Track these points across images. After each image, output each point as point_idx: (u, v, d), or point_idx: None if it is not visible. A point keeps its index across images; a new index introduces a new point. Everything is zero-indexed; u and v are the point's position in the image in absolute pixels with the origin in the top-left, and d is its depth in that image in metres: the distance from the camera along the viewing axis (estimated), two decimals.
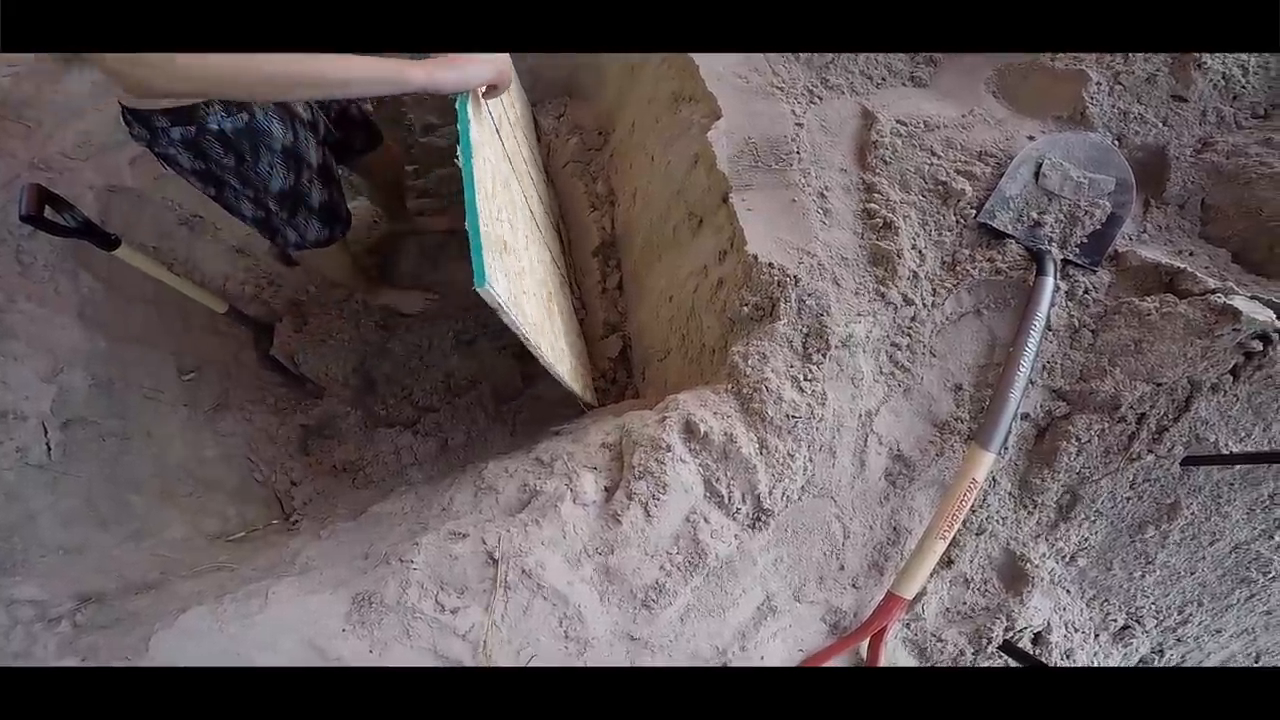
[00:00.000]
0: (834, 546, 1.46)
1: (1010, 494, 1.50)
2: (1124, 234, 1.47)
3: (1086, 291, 1.43)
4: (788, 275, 1.39)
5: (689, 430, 1.32)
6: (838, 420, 1.40)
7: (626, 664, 1.31)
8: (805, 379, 1.36)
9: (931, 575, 1.44)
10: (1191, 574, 1.63)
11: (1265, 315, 1.24)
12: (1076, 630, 1.63)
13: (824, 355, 1.36)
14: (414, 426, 2.26)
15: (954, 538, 1.38)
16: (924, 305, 1.44)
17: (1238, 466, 1.45)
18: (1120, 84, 1.54)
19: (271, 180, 1.40)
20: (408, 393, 2.31)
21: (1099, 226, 1.45)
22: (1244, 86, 1.52)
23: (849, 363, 1.40)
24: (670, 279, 1.90)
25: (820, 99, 1.74)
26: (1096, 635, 1.67)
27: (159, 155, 1.33)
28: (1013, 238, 1.46)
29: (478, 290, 0.94)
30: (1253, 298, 1.29)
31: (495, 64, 1.15)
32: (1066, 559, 1.58)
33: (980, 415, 1.44)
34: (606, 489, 1.35)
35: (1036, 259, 1.43)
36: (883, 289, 1.43)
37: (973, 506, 1.42)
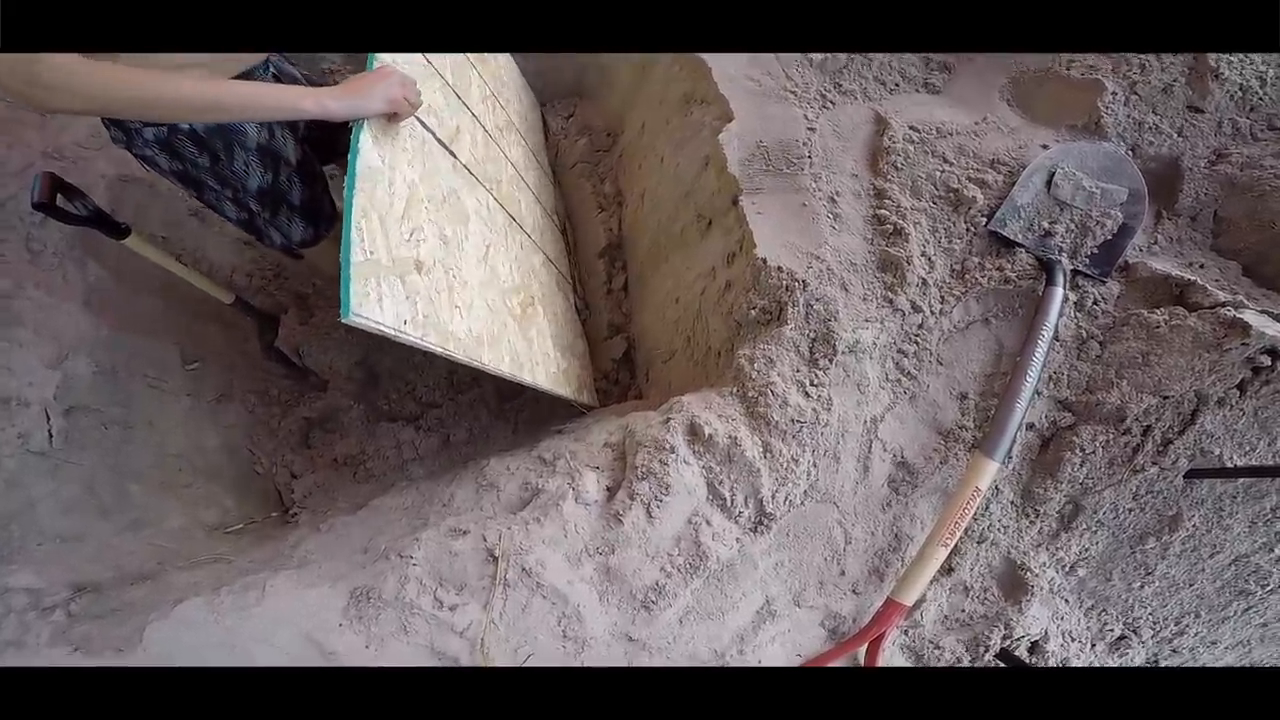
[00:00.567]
0: (835, 552, 1.46)
1: (1013, 503, 1.49)
2: (1135, 245, 1.46)
3: (1096, 302, 1.43)
4: (796, 279, 1.39)
5: (693, 432, 1.31)
6: (842, 426, 1.39)
7: (624, 664, 1.31)
8: (811, 384, 1.35)
9: (932, 582, 1.43)
10: (1190, 585, 1.62)
11: (1275, 330, 1.23)
12: (1073, 640, 1.62)
13: (830, 361, 1.36)
14: (416, 422, 2.26)
15: (955, 546, 1.37)
16: (932, 313, 1.44)
17: (1241, 480, 1.45)
18: (1136, 94, 1.54)
19: (249, 179, 1.39)
20: (411, 388, 2.31)
21: (1110, 237, 1.44)
22: (1261, 98, 1.51)
23: (855, 369, 1.39)
24: (677, 281, 1.90)
25: (833, 104, 1.73)
26: (1093, 645, 1.67)
27: (138, 157, 1.33)
28: (1023, 247, 1.45)
29: (343, 321, 0.95)
30: (1263, 312, 1.28)
31: (389, 96, 1.16)
32: (1066, 568, 1.57)
33: (985, 424, 1.43)
34: (608, 489, 1.34)
35: (1046, 269, 1.42)
36: (891, 295, 1.42)
37: (975, 515, 1.42)
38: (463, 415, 2.26)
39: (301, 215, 1.52)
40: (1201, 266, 1.45)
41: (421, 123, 1.36)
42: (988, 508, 1.48)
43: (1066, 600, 1.61)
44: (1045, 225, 1.46)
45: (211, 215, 1.82)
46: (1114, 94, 1.53)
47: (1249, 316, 1.25)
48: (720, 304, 1.61)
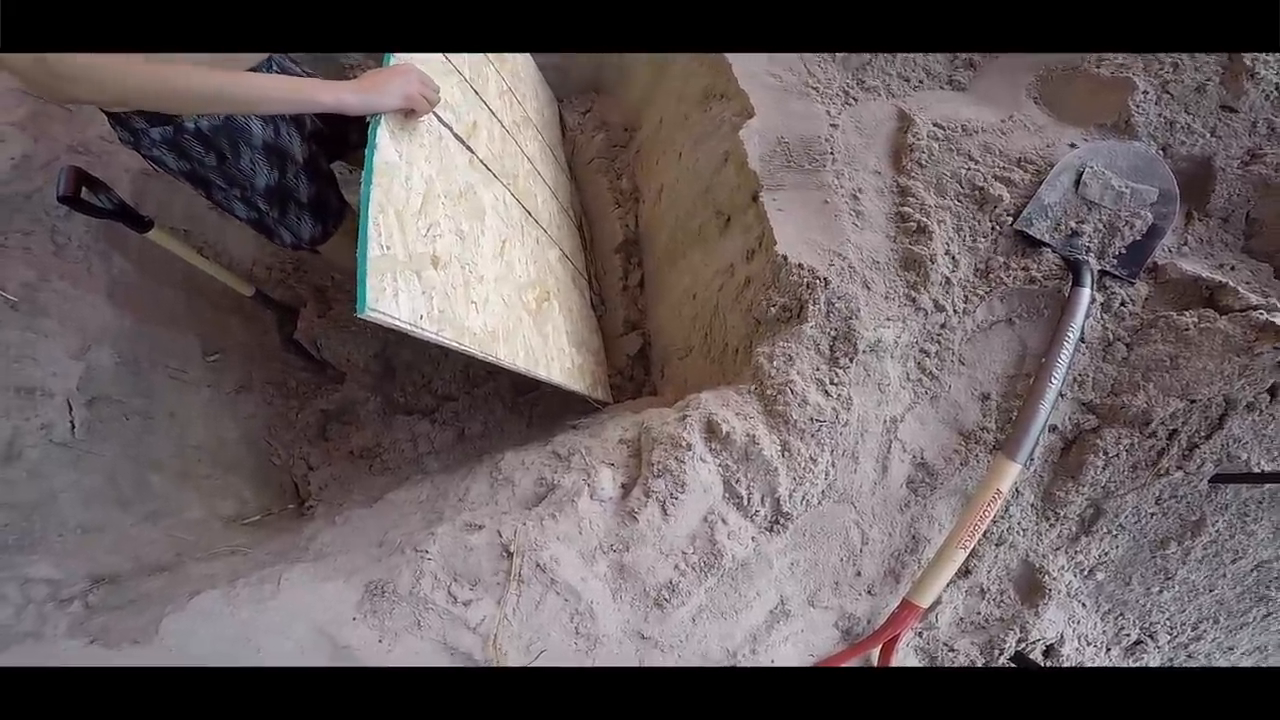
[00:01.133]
0: (851, 552, 1.44)
1: (1033, 505, 1.47)
2: (1164, 246, 1.43)
3: (1123, 304, 1.40)
4: (817, 277, 1.37)
5: (710, 430, 1.30)
6: (862, 425, 1.38)
7: (636, 662, 1.30)
8: (831, 382, 1.34)
9: (948, 585, 1.42)
10: (1210, 591, 1.60)
11: None
12: (1089, 643, 1.60)
13: (851, 359, 1.34)
14: (432, 415, 2.26)
15: (973, 548, 1.35)
16: (955, 312, 1.42)
17: (1267, 486, 1.42)
18: (1168, 93, 1.50)
19: (256, 177, 1.39)
20: (427, 381, 2.32)
21: (1139, 238, 1.42)
22: None
23: (876, 368, 1.38)
24: (694, 277, 1.88)
25: (856, 100, 1.71)
26: (1109, 649, 1.65)
27: (146, 158, 1.33)
28: (1049, 246, 1.43)
29: (358, 315, 0.95)
30: None
31: (406, 92, 1.16)
32: (1085, 572, 1.55)
33: (1007, 425, 1.41)
34: (624, 485, 1.34)
35: (1073, 269, 1.39)
36: (914, 294, 1.40)
37: (995, 517, 1.40)
38: (478, 409, 2.27)
39: (310, 212, 1.52)
40: (1233, 268, 1.42)
41: (439, 118, 1.36)
42: (1007, 510, 1.46)
43: (1084, 604, 1.58)
44: (1072, 225, 1.43)
45: None
46: (1145, 93, 1.50)
47: None
48: (739, 301, 1.60)
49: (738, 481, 1.31)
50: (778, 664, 1.41)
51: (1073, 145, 1.51)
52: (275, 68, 1.39)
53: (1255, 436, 1.35)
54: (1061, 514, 1.47)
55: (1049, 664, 1.59)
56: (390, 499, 1.57)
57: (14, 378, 1.56)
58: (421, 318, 1.08)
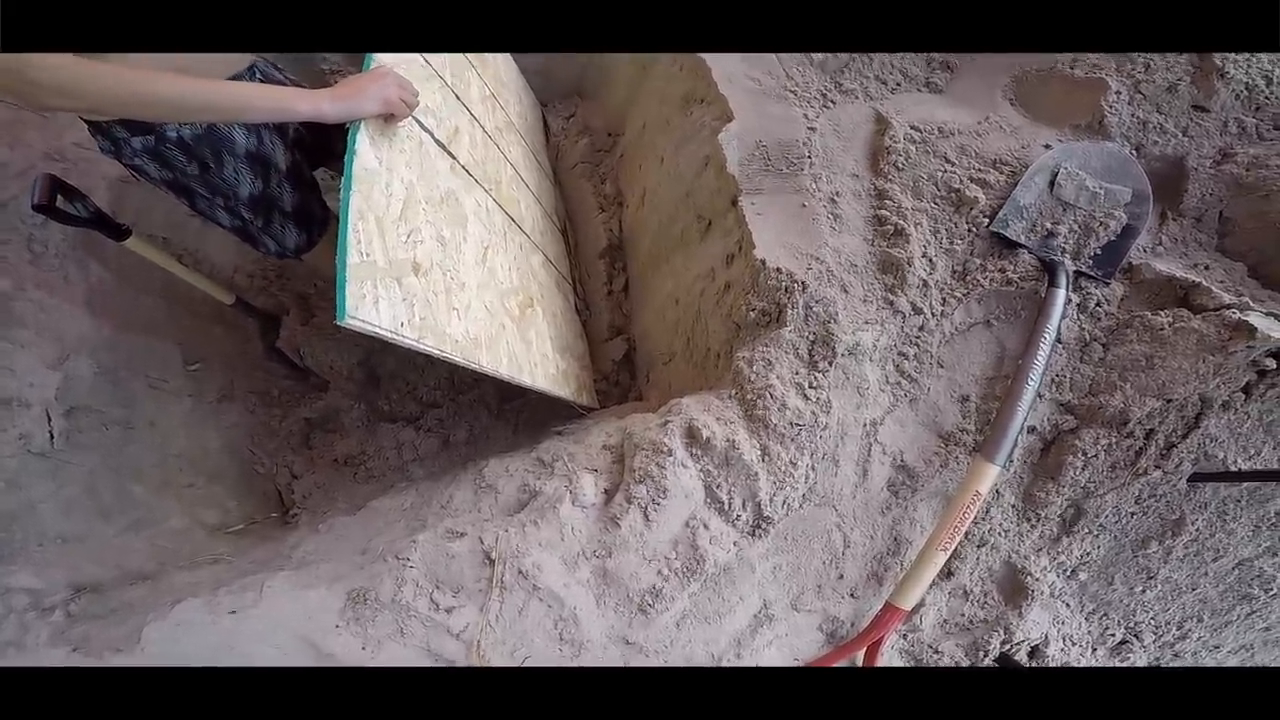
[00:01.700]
0: (834, 556, 1.45)
1: (1013, 507, 1.48)
2: (1139, 246, 1.45)
3: (1099, 304, 1.41)
4: (795, 281, 1.38)
5: (691, 435, 1.30)
6: (842, 429, 1.38)
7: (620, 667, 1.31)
8: (810, 386, 1.34)
9: (931, 587, 1.43)
10: (1193, 590, 1.61)
11: None
12: (1074, 644, 1.61)
13: (830, 363, 1.35)
14: (417, 422, 2.26)
15: (955, 549, 1.36)
16: (933, 315, 1.43)
17: (1245, 484, 1.43)
18: (1140, 93, 1.52)
19: (239, 186, 1.38)
20: (412, 388, 2.31)
21: (1113, 238, 1.43)
22: (1267, 97, 1.49)
23: (855, 371, 1.39)
24: (677, 282, 1.89)
25: (834, 103, 1.72)
26: (1094, 649, 1.66)
27: (128, 167, 1.32)
28: (1025, 248, 1.44)
29: (338, 323, 0.95)
30: (1268, 314, 1.26)
31: (385, 96, 1.16)
32: (1068, 572, 1.56)
33: (986, 427, 1.42)
34: (606, 491, 1.34)
35: (1049, 270, 1.40)
36: (891, 297, 1.41)
37: (975, 519, 1.41)
38: (463, 416, 2.26)
39: (294, 221, 1.51)
40: (1206, 268, 1.43)
41: (420, 123, 1.36)
42: (988, 511, 1.46)
43: (1067, 604, 1.59)
44: (1048, 226, 1.45)
45: None
46: (1118, 93, 1.52)
47: (1254, 319, 1.23)
48: (719, 305, 1.60)
49: (719, 486, 1.31)
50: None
51: (1047, 146, 1.52)
52: (259, 75, 1.38)
53: (1231, 435, 1.37)
54: (1042, 515, 1.48)
55: (1034, 665, 1.60)
56: (374, 507, 1.57)
57: None
58: (403, 325, 1.08)
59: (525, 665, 1.24)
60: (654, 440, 1.30)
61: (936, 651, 1.53)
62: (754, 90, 1.75)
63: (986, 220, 1.46)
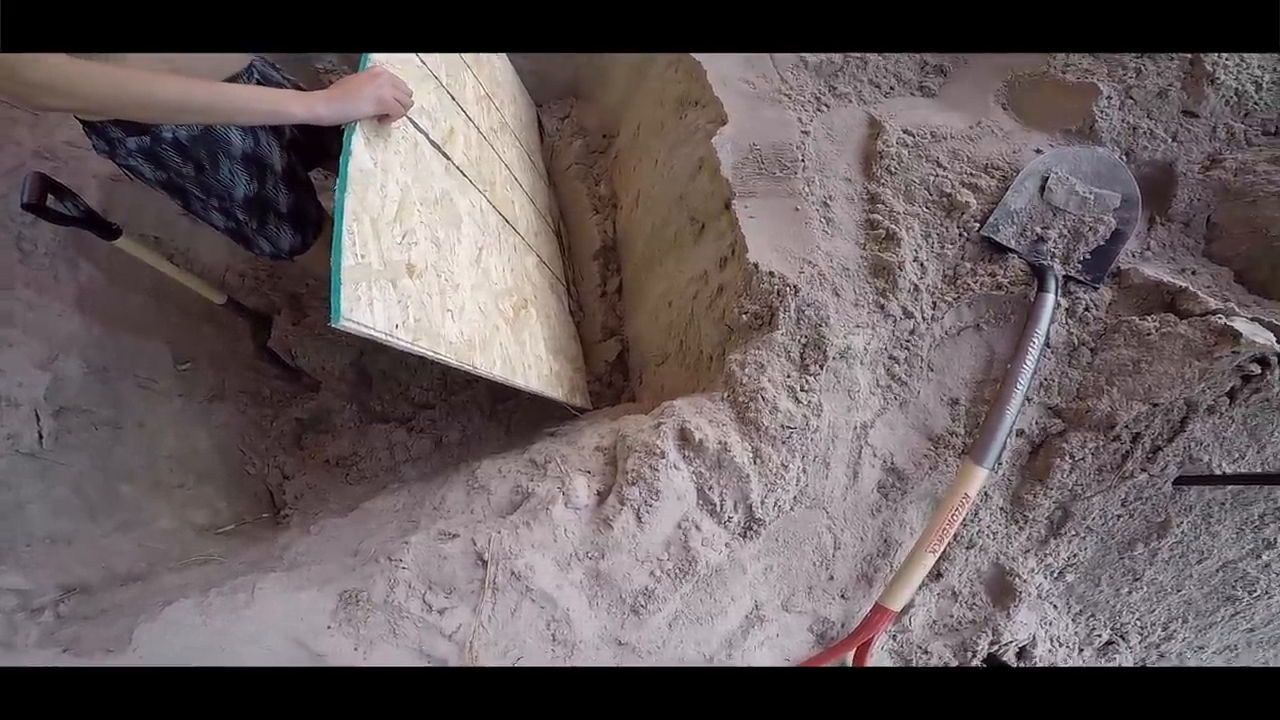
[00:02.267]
0: (824, 557, 1.46)
1: (1002, 509, 1.49)
2: (1127, 251, 1.46)
3: (1087, 309, 1.43)
4: (788, 284, 1.39)
5: (684, 437, 1.31)
6: (832, 432, 1.39)
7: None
8: (802, 389, 1.35)
9: (920, 588, 1.44)
10: (1178, 591, 1.63)
11: (1265, 338, 1.23)
12: (1061, 644, 1.63)
13: (821, 366, 1.35)
14: (409, 423, 2.25)
15: (944, 551, 1.37)
16: (924, 319, 1.44)
17: (1230, 487, 1.45)
18: (1131, 98, 1.53)
19: (235, 187, 1.38)
20: (404, 389, 2.31)
21: (1102, 243, 1.44)
22: (1256, 103, 1.51)
23: (846, 374, 1.39)
24: (670, 284, 1.89)
25: (827, 107, 1.73)
26: (1081, 650, 1.67)
27: (122, 167, 1.31)
28: (1015, 252, 1.45)
29: (332, 325, 0.95)
30: (1253, 319, 1.28)
31: (379, 97, 1.16)
32: (1055, 574, 1.57)
33: (975, 430, 1.43)
34: (599, 493, 1.34)
35: (1038, 274, 1.42)
36: (883, 301, 1.42)
37: (964, 521, 1.42)
38: (456, 417, 2.26)
39: (289, 222, 1.51)
40: (1194, 273, 1.45)
41: (415, 124, 1.36)
42: (977, 513, 1.48)
43: (1055, 605, 1.61)
44: (1038, 231, 1.46)
45: None
46: (1109, 98, 1.53)
47: (1239, 324, 1.25)
48: (712, 308, 1.61)
49: (711, 488, 1.32)
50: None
51: (1038, 151, 1.53)
52: (257, 75, 1.37)
53: (1216, 439, 1.38)
54: (1030, 517, 1.49)
55: (1022, 666, 1.61)
56: (366, 508, 1.57)
57: None
58: (397, 327, 1.08)
59: (518, 665, 1.24)
60: (647, 442, 1.31)
61: (925, 652, 1.54)
62: (748, 93, 1.75)
63: (977, 225, 1.48)
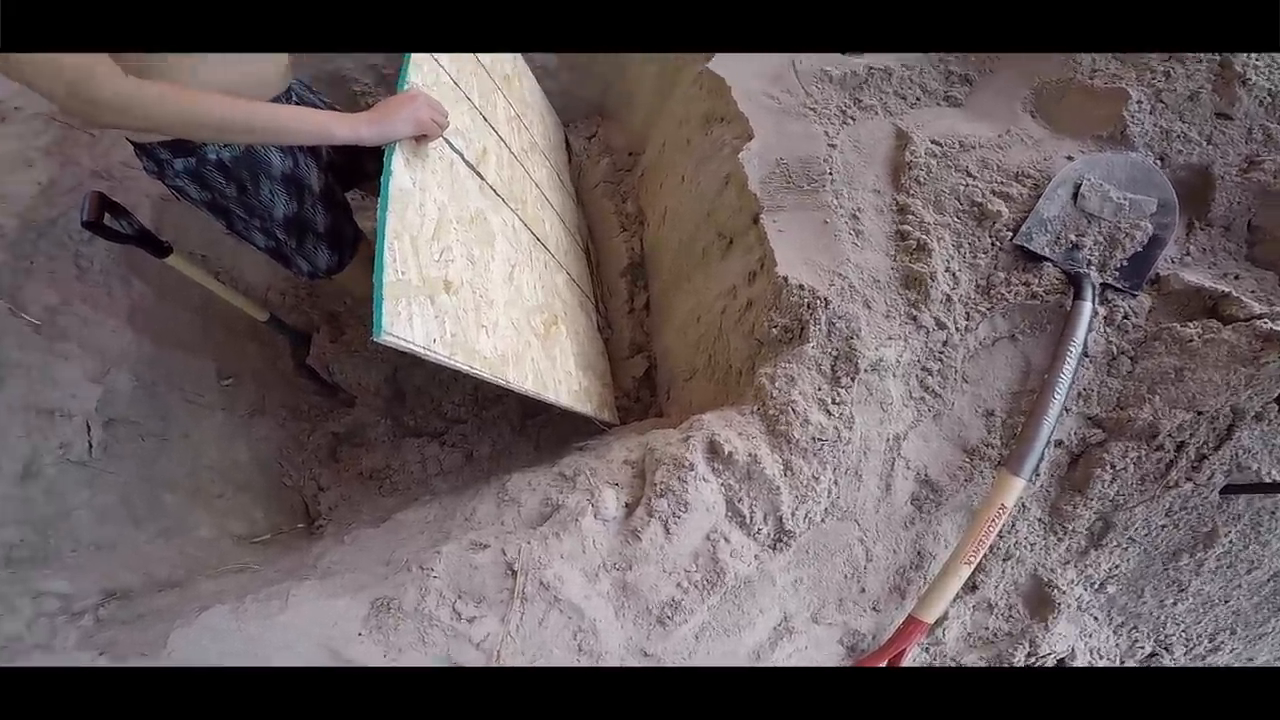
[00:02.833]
0: (855, 569, 1.44)
1: (1040, 520, 1.45)
2: (1166, 257, 1.43)
3: (1126, 317, 1.39)
4: (818, 297, 1.38)
5: (713, 450, 1.31)
6: (865, 444, 1.37)
7: None
8: (833, 402, 1.34)
9: (954, 600, 1.40)
10: (1226, 602, 1.57)
11: None
12: (1101, 656, 1.58)
13: (853, 379, 1.34)
14: (441, 437, 2.29)
15: (979, 563, 1.34)
16: (957, 329, 1.42)
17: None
18: (1162, 101, 1.51)
19: (275, 208, 1.43)
20: (436, 404, 2.34)
21: (1140, 249, 1.41)
22: None
23: (878, 387, 1.38)
24: (698, 300, 1.90)
25: (853, 119, 1.73)
26: (1122, 661, 1.61)
27: (170, 188, 1.37)
28: (1050, 261, 1.43)
29: (374, 340, 0.98)
30: None
31: (417, 118, 1.20)
32: (1096, 586, 1.52)
33: (1012, 441, 1.40)
34: (628, 505, 1.34)
35: (1074, 283, 1.39)
36: (915, 312, 1.41)
37: (1000, 532, 1.38)
38: (486, 431, 2.29)
39: (326, 243, 1.56)
40: (1236, 277, 1.41)
41: (450, 144, 1.40)
42: (1014, 525, 1.44)
43: (1095, 617, 1.56)
44: (1072, 238, 1.44)
45: None
46: (1139, 102, 1.51)
47: None
48: (741, 323, 1.61)
49: (740, 500, 1.31)
50: None
51: (1070, 158, 1.51)
52: (295, 98, 1.43)
53: (1265, 446, 1.33)
54: (1070, 528, 1.45)
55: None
56: (398, 519, 1.59)
57: (35, 399, 1.60)
58: (435, 341, 1.10)
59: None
60: (675, 455, 1.31)
61: (959, 665, 1.50)
62: (773, 108, 1.77)
63: (1010, 233, 1.46)
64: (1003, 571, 1.47)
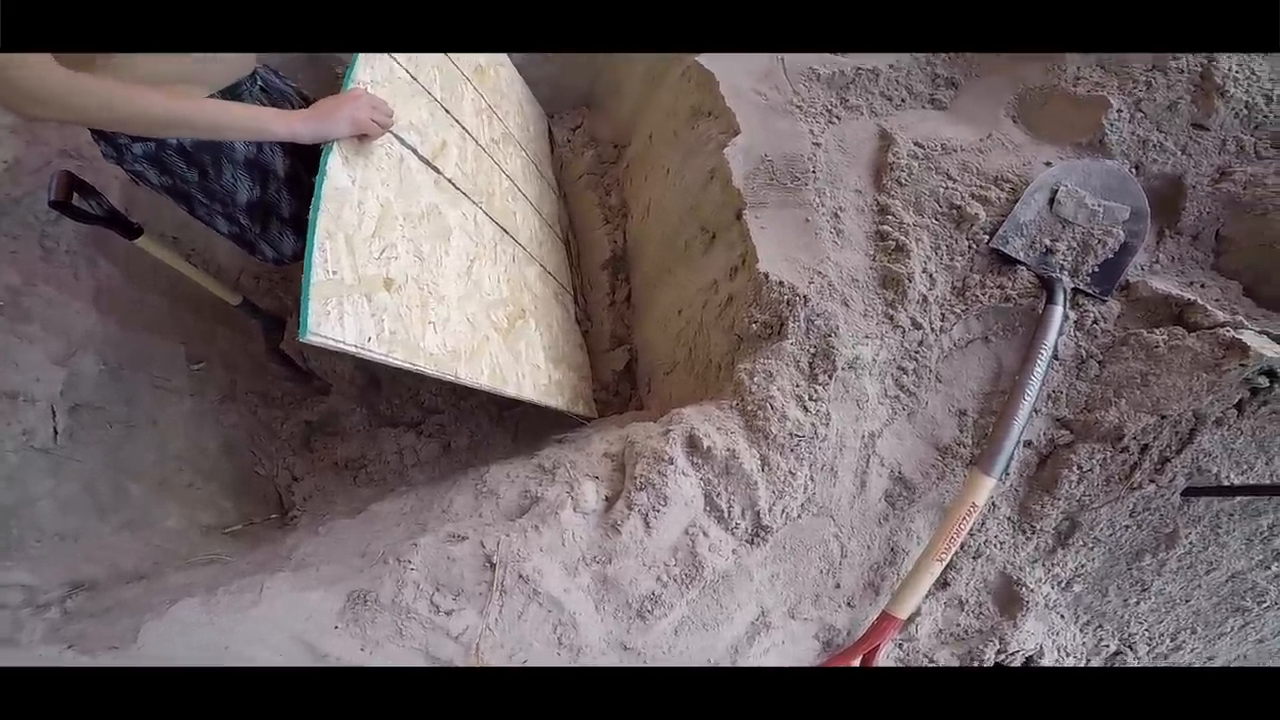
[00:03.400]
0: (831, 565, 1.46)
1: (1009, 519, 1.49)
2: (1136, 264, 1.47)
3: (1095, 321, 1.43)
4: (797, 294, 1.40)
5: (692, 444, 1.32)
6: (840, 440, 1.39)
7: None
8: (810, 399, 1.36)
9: (926, 597, 1.43)
10: (1187, 602, 1.62)
11: (1273, 351, 1.23)
12: (1068, 654, 1.62)
13: (830, 376, 1.36)
14: (418, 427, 2.26)
15: (951, 560, 1.37)
16: (932, 330, 1.44)
17: (1238, 498, 1.45)
18: (1141, 111, 1.54)
19: (237, 193, 1.40)
20: (413, 393, 2.32)
21: (1111, 255, 1.45)
22: (1266, 115, 1.51)
23: (855, 384, 1.40)
24: (680, 293, 1.91)
25: (839, 119, 1.74)
26: (1088, 660, 1.67)
27: (129, 172, 1.34)
28: (1024, 264, 1.46)
29: (301, 340, 0.98)
30: (1261, 332, 1.29)
31: (355, 118, 1.19)
32: (1062, 584, 1.57)
33: (983, 441, 1.43)
34: (607, 498, 1.35)
35: (1047, 287, 1.42)
36: (892, 312, 1.43)
37: (971, 530, 1.42)
38: (464, 422, 2.27)
39: (292, 227, 1.53)
40: (1203, 286, 1.45)
41: (401, 140, 1.37)
42: (984, 523, 1.48)
43: (1062, 615, 1.61)
44: (1047, 243, 1.47)
45: None
46: (1119, 110, 1.54)
47: (1248, 338, 1.25)
48: (722, 317, 1.62)
49: (719, 495, 1.32)
50: None
51: (1048, 164, 1.54)
52: (260, 82, 1.39)
53: (1224, 450, 1.38)
54: (1038, 527, 1.49)
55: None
56: (374, 510, 1.57)
57: None
58: (370, 340, 1.10)
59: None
60: (655, 448, 1.32)
61: (931, 660, 1.54)
62: (760, 105, 1.77)
63: (987, 237, 1.48)
64: (973, 569, 1.50)
